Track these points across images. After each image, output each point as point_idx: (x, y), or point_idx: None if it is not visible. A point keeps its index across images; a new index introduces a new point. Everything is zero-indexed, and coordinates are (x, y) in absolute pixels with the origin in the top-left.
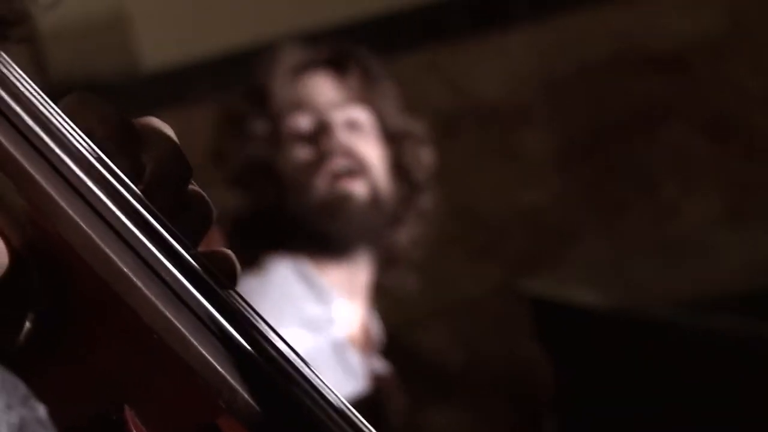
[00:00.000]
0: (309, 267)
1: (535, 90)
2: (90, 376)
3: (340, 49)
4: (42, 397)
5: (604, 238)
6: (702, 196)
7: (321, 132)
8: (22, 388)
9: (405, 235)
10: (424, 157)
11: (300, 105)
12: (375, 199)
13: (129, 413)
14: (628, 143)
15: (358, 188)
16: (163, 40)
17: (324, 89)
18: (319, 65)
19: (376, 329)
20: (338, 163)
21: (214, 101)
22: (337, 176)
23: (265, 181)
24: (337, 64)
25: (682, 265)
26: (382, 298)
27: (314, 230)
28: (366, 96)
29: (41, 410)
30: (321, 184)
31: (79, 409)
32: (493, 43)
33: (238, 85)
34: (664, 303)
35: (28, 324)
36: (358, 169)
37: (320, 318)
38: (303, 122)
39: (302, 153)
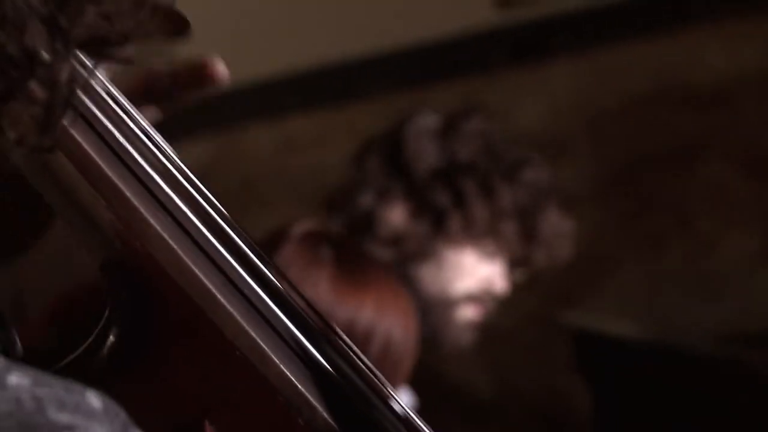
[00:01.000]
0: None
1: (575, 123)
2: (172, 392)
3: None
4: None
5: (641, 271)
6: (739, 233)
7: (494, 278)
8: (122, 415)
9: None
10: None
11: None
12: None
13: (209, 429)
14: (667, 178)
15: (481, 316)
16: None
17: (553, 234)
18: (560, 201)
19: None
20: (487, 305)
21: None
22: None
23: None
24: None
25: (718, 301)
26: None
27: (425, 321)
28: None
29: None
30: (469, 309)
31: (161, 424)
32: (534, 75)
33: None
34: (699, 337)
35: (111, 338)
36: (492, 302)
37: None
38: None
39: (470, 268)
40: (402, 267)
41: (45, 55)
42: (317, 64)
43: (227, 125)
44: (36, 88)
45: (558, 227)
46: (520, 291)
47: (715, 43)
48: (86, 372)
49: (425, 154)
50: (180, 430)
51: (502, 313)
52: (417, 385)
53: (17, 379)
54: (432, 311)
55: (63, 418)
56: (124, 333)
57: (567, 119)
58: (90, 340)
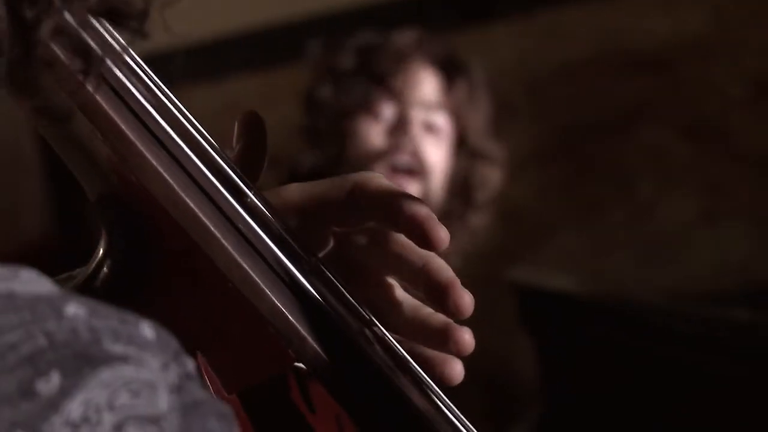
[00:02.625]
0: None
1: (517, 86)
2: (164, 323)
3: (457, 59)
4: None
5: (582, 233)
6: (678, 196)
7: (399, 126)
8: (174, 344)
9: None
10: (492, 179)
11: (394, 90)
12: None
13: (201, 360)
14: (607, 141)
15: (411, 188)
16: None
17: (425, 86)
18: (434, 63)
19: None
20: (401, 158)
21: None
22: (396, 170)
23: (332, 140)
24: (449, 71)
25: (657, 262)
26: None
27: None
28: (459, 108)
29: (191, 365)
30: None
31: None
32: (477, 38)
33: (211, 73)
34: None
35: (105, 269)
36: (418, 170)
37: None
38: (387, 110)
39: (373, 135)
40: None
41: (71, 21)
42: (259, 24)
43: (170, 88)
44: (58, 51)
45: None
46: (461, 254)
47: (655, 8)
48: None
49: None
50: None
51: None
52: None
53: (74, 309)
54: None
55: (117, 348)
56: (118, 266)
57: (509, 82)
58: (86, 271)
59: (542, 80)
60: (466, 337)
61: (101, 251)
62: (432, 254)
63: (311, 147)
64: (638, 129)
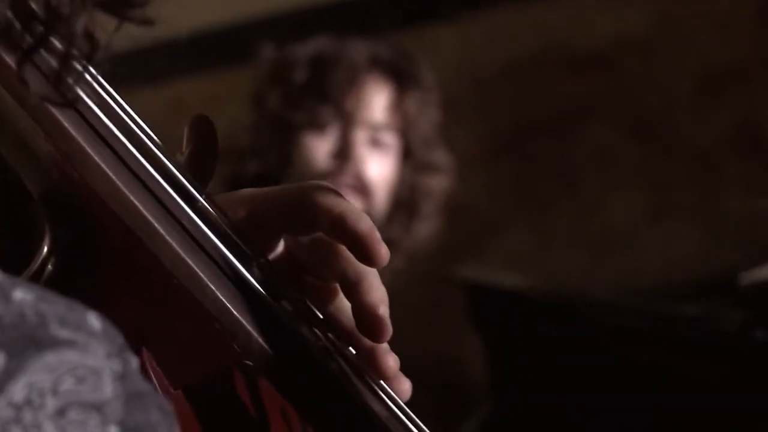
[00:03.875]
0: None
1: (462, 86)
2: (109, 318)
3: (407, 63)
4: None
5: (530, 231)
6: (624, 193)
7: (343, 148)
8: (120, 339)
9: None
10: (438, 188)
11: (343, 110)
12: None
13: (146, 355)
14: (554, 140)
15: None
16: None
17: (375, 104)
18: (387, 76)
19: None
20: (345, 180)
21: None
22: (339, 188)
23: (277, 150)
24: (402, 83)
25: (604, 260)
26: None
27: None
28: (408, 121)
29: (135, 362)
30: None
31: None
32: (421, 39)
33: (156, 75)
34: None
35: (49, 267)
36: (362, 189)
37: None
38: (333, 128)
39: (317, 154)
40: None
41: (65, 10)
42: (206, 25)
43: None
44: (56, 42)
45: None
46: (410, 253)
47: (598, 6)
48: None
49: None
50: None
51: (393, 276)
52: None
53: (22, 294)
54: None
55: (64, 333)
56: (62, 264)
57: (454, 82)
58: (30, 269)
59: (488, 80)
60: (390, 363)
61: (45, 249)
62: (370, 271)
63: (255, 152)
64: (584, 127)
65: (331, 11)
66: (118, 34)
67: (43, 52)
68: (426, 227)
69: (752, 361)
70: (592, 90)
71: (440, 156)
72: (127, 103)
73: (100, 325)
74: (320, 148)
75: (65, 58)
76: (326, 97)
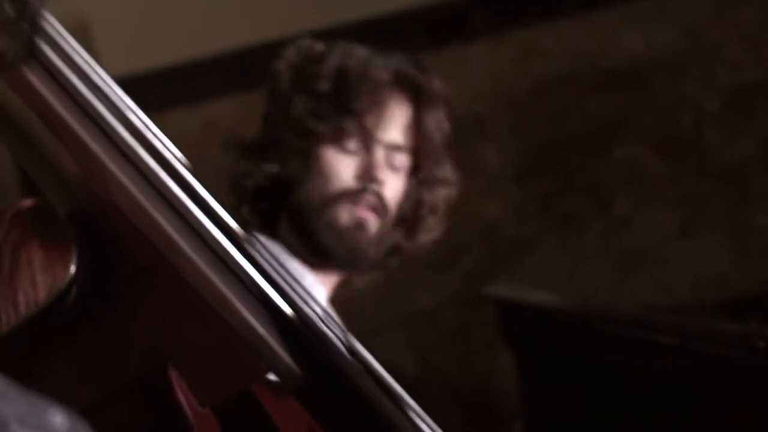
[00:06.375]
0: (279, 248)
1: (494, 104)
2: (135, 339)
3: (426, 79)
4: (88, 359)
5: (560, 248)
6: (654, 210)
7: (367, 168)
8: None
9: (390, 258)
10: (442, 200)
11: (366, 128)
12: (380, 237)
13: (173, 374)
14: (584, 158)
15: (373, 222)
16: (118, 48)
17: (396, 125)
18: (406, 90)
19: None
20: (368, 200)
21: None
22: (359, 204)
23: (295, 158)
24: (419, 98)
25: (634, 276)
26: (337, 307)
27: (316, 239)
28: (423, 140)
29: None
30: (345, 209)
31: (124, 371)
32: (452, 57)
33: (191, 94)
34: (618, 309)
35: (76, 288)
36: (381, 211)
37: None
38: (356, 145)
39: (341, 170)
40: (290, 201)
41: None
42: (239, 47)
43: (149, 110)
44: (7, 7)
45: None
46: (441, 271)
47: (628, 25)
48: (56, 320)
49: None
50: (145, 376)
51: (425, 294)
52: None
53: None
54: (318, 220)
55: None
56: (89, 284)
57: (485, 100)
58: (59, 288)
59: (518, 98)
60: None
61: (73, 269)
62: None
63: (271, 151)
64: (614, 145)
65: (361, 30)
66: (152, 55)
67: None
68: (427, 237)
69: None
70: (621, 107)
71: (447, 170)
72: (154, 122)
73: (63, 423)
74: (345, 166)
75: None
76: (350, 112)
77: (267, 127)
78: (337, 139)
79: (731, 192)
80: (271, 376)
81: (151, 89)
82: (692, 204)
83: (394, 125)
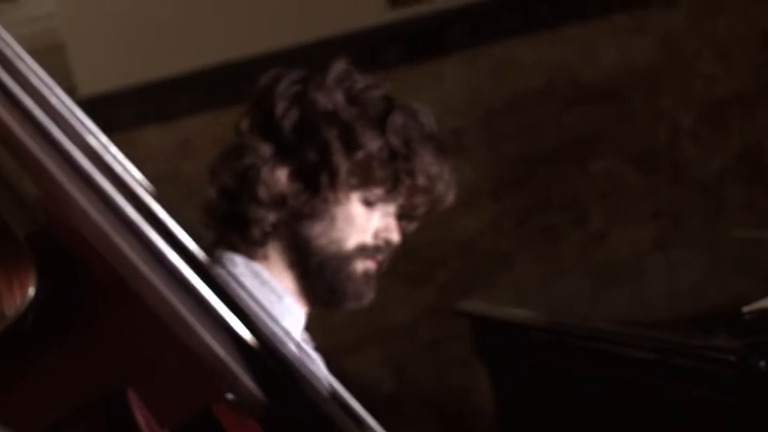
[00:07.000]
0: (261, 268)
1: (469, 118)
2: (94, 361)
3: (441, 134)
4: (47, 382)
5: (535, 263)
6: (630, 224)
7: (389, 227)
8: None
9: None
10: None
11: (406, 200)
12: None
13: (132, 396)
14: (559, 172)
15: (376, 272)
16: (93, 67)
17: (433, 177)
18: (438, 146)
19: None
20: (383, 254)
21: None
22: (369, 257)
23: (323, 196)
24: (442, 150)
25: (610, 290)
26: (314, 322)
27: (317, 277)
28: (429, 188)
29: None
30: (360, 262)
31: (83, 393)
32: (428, 72)
33: (165, 113)
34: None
35: (33, 312)
36: (388, 255)
37: (278, 310)
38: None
39: (368, 224)
40: (293, 229)
41: None
42: (212, 64)
43: (122, 127)
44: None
45: (435, 169)
46: (417, 285)
47: (605, 38)
48: (14, 343)
49: (289, 111)
50: (104, 398)
51: (401, 308)
52: None
53: None
54: (328, 268)
55: None
56: (48, 304)
57: (462, 114)
58: (18, 312)
59: (494, 112)
60: None
61: (32, 291)
62: None
63: (290, 180)
64: (589, 159)
65: (338, 45)
66: (128, 72)
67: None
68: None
69: (752, 391)
70: (597, 122)
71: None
72: (129, 141)
73: None
74: (371, 221)
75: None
76: (401, 184)
77: (302, 142)
78: (377, 201)
79: (707, 204)
80: (233, 398)
81: (125, 107)
82: (667, 217)
83: (428, 184)
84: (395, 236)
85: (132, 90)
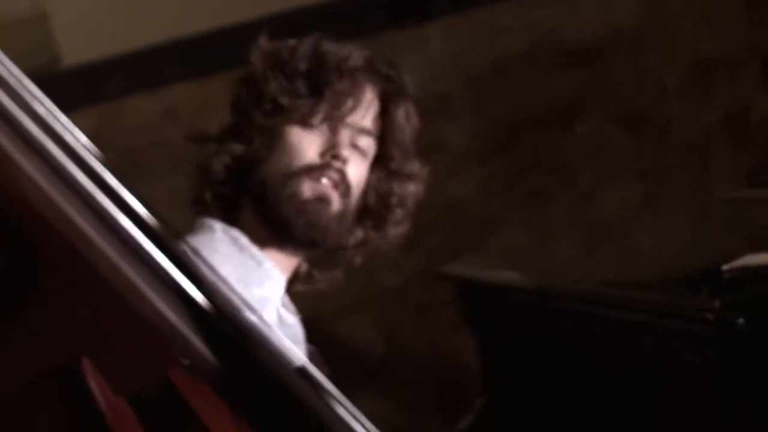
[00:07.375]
0: (239, 234)
1: (455, 83)
2: (48, 330)
3: (397, 74)
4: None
5: (524, 226)
6: (618, 184)
7: (333, 146)
8: None
9: (356, 252)
10: (410, 196)
11: (336, 107)
12: (342, 215)
13: (87, 365)
14: (547, 134)
15: (335, 199)
16: (77, 37)
17: (363, 109)
18: (378, 81)
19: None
20: (330, 176)
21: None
22: (320, 181)
23: (261, 136)
24: (389, 96)
25: (598, 252)
26: (306, 289)
27: (277, 213)
28: (391, 132)
29: None
30: (308, 183)
31: (38, 363)
32: (412, 37)
33: (151, 81)
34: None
35: None
36: (343, 189)
37: (257, 276)
38: (322, 123)
39: (306, 146)
40: (252, 181)
41: None
42: (198, 32)
43: (108, 96)
44: None
45: (351, 62)
46: (407, 250)
47: (587, 1)
48: None
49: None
50: (58, 368)
51: (391, 273)
52: (311, 342)
53: None
54: (281, 199)
55: None
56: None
57: (447, 79)
58: None
59: (479, 77)
60: None
61: None
62: None
63: (237, 133)
64: (576, 120)
65: (322, 13)
66: (111, 41)
67: None
68: (396, 231)
69: (731, 349)
70: (583, 83)
71: (415, 165)
72: (116, 109)
73: None
74: (309, 143)
75: None
76: (324, 95)
77: (236, 111)
78: (306, 118)
79: (694, 164)
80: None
81: (111, 76)
82: (654, 177)
83: (363, 111)
84: (342, 150)
85: (117, 59)
